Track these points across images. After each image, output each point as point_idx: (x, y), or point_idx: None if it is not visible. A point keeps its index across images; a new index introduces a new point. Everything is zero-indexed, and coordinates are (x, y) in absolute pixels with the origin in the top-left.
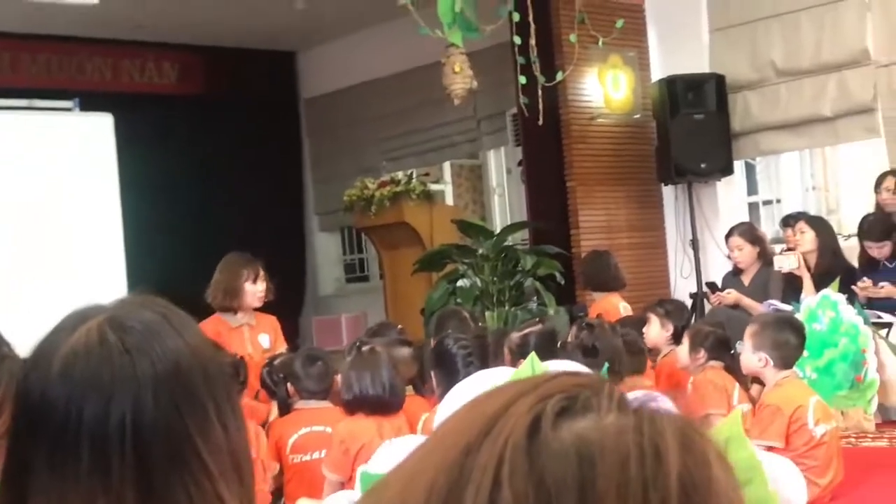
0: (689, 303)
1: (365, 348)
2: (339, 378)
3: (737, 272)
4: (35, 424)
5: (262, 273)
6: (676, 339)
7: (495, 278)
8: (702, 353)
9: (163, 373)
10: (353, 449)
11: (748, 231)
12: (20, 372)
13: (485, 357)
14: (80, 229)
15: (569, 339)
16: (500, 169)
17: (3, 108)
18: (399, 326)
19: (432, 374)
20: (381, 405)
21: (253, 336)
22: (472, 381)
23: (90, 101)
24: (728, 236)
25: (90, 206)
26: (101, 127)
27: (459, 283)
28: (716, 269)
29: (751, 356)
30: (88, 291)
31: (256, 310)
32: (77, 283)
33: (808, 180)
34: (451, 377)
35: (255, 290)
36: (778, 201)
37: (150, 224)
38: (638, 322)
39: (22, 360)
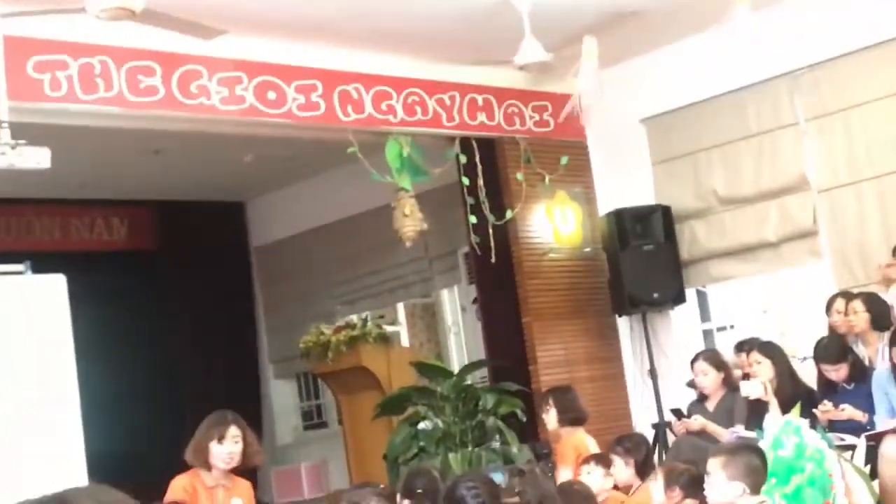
0: (650, 433)
1: None
2: None
3: (701, 399)
4: None
5: (231, 434)
6: (639, 472)
7: (457, 419)
8: (677, 491)
9: None
10: None
11: (713, 357)
12: None
13: (495, 502)
14: (35, 393)
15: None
16: (455, 307)
17: None
18: (381, 486)
19: None
20: None
21: (226, 499)
22: None
23: (40, 262)
24: (693, 361)
25: (44, 370)
26: (53, 288)
27: (421, 425)
28: (675, 398)
29: (725, 487)
30: (45, 456)
31: (235, 472)
32: (33, 447)
33: (760, 304)
34: None
35: (221, 451)
36: (732, 327)
37: (106, 383)
38: (605, 461)
39: None
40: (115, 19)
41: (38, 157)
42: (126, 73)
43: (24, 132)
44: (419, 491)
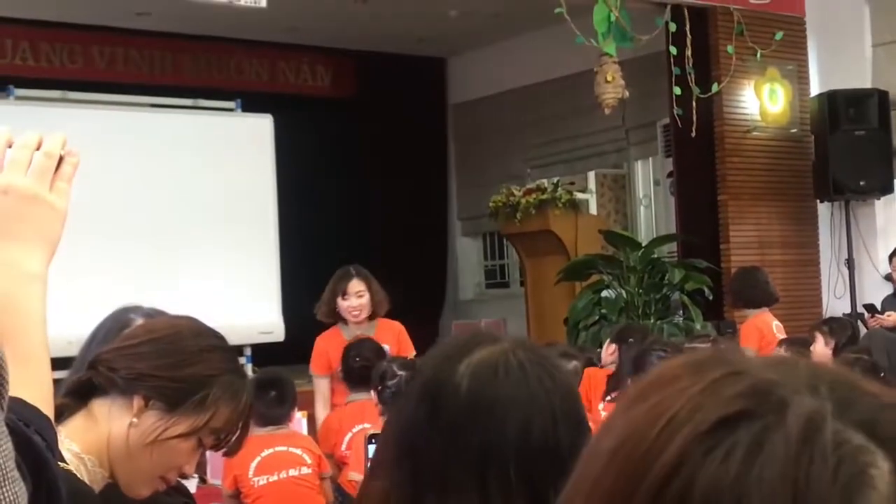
0: None
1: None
2: None
3: None
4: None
5: (354, 290)
6: (836, 354)
7: (641, 290)
8: None
9: None
10: None
11: None
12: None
13: None
14: (239, 227)
15: None
16: (648, 179)
17: (170, 106)
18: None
19: (629, 379)
20: None
21: None
22: None
23: (249, 101)
24: (892, 256)
25: (249, 204)
26: (261, 128)
27: (604, 293)
28: (871, 291)
29: None
30: (244, 287)
31: (384, 316)
32: (232, 279)
33: None
34: None
35: (346, 305)
36: None
37: (301, 221)
38: (803, 341)
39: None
40: None
41: None
42: None
43: None
44: (631, 340)
